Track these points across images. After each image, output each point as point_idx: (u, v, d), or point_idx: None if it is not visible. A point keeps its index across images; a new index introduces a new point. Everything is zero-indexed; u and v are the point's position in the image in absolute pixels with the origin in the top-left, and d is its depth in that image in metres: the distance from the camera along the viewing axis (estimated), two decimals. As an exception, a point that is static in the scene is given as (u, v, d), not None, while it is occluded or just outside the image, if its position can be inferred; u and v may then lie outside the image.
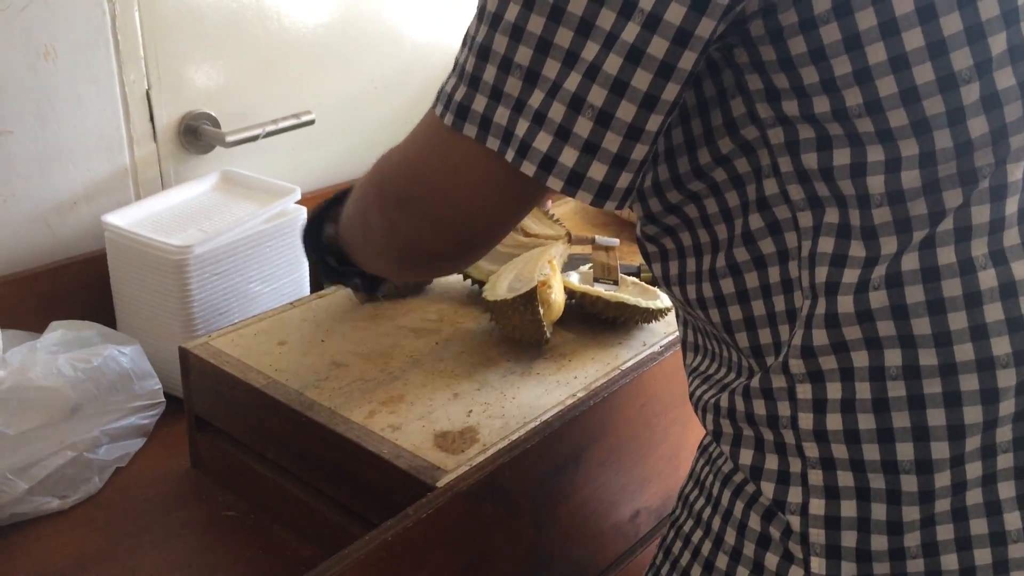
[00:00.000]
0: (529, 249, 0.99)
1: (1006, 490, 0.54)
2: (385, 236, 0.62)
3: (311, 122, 1.21)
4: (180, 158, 1.14)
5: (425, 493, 0.71)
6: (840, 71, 0.50)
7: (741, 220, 0.57)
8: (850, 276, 0.53)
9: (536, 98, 0.51)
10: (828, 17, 0.49)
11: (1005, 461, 0.54)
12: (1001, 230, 0.52)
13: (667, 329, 0.96)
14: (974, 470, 0.54)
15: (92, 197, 1.06)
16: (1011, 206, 0.52)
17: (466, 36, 0.56)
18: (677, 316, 0.70)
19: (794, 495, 0.57)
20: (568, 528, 0.85)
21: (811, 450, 0.56)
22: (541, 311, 0.88)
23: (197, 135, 1.13)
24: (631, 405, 0.88)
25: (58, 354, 0.87)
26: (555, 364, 0.90)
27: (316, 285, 1.20)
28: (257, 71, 1.19)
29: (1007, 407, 0.53)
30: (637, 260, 1.11)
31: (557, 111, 0.51)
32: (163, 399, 0.95)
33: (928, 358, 0.52)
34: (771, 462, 0.59)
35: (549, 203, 1.08)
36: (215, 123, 1.15)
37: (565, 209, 1.31)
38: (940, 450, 0.53)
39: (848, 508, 0.55)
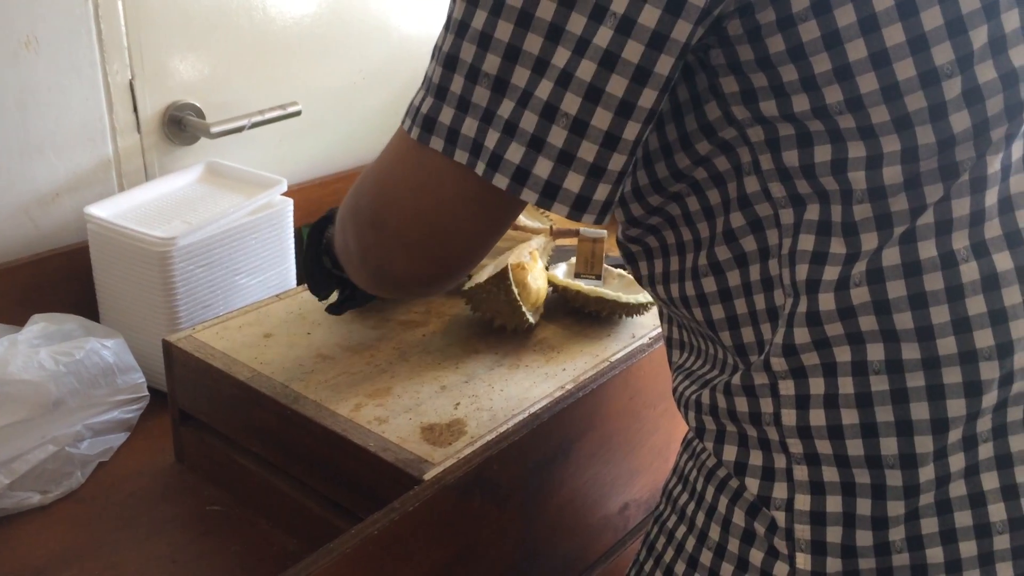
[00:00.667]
0: (518, 243, 0.98)
1: (989, 481, 0.54)
2: (360, 258, 0.59)
3: (297, 113, 1.20)
4: (164, 149, 1.12)
5: (412, 486, 0.70)
6: (820, 68, 0.49)
7: (723, 218, 0.57)
8: (831, 273, 0.52)
9: (506, 108, 0.50)
10: (807, 14, 0.48)
11: (986, 451, 0.54)
12: (982, 222, 0.51)
13: (655, 321, 0.96)
14: (957, 462, 0.53)
15: (75, 189, 1.05)
16: (991, 198, 0.51)
17: (434, 48, 0.54)
18: (660, 314, 0.70)
19: (779, 491, 0.57)
20: (557, 521, 0.84)
21: (795, 446, 0.56)
22: (516, 291, 0.87)
23: (181, 126, 1.12)
24: (620, 397, 0.87)
25: (40, 347, 0.86)
26: (543, 356, 0.89)
27: (302, 277, 1.19)
28: (243, 61, 1.18)
29: (989, 399, 0.53)
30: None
31: (529, 120, 0.49)
32: (147, 393, 0.93)
33: (911, 352, 0.52)
34: (755, 458, 0.58)
35: None
36: (200, 114, 1.14)
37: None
38: (924, 444, 0.53)
39: (833, 503, 0.55)
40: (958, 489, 0.54)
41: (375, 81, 1.36)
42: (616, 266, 1.05)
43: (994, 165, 0.51)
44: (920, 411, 0.52)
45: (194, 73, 1.14)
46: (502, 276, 0.86)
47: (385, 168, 0.57)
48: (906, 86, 0.48)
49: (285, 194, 1.07)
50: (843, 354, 0.53)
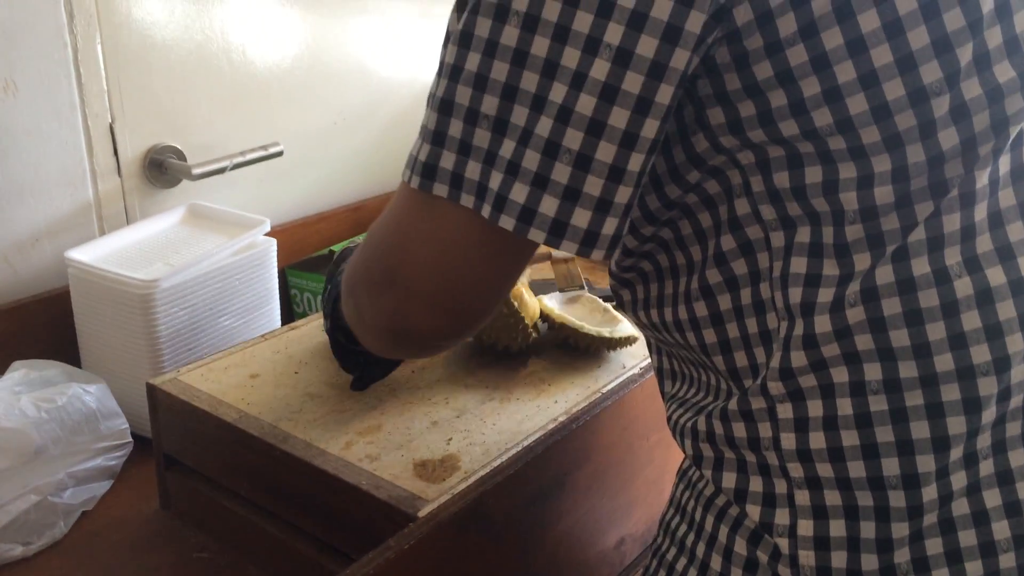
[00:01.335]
0: None
1: (992, 498, 0.53)
2: (374, 316, 0.57)
3: (279, 154, 1.19)
4: (145, 192, 1.12)
5: (406, 524, 0.69)
6: (809, 92, 0.49)
7: (714, 241, 0.56)
8: (825, 295, 0.52)
9: (507, 148, 0.49)
10: (794, 39, 0.48)
11: (987, 468, 0.53)
12: (973, 237, 0.51)
13: (645, 351, 0.95)
14: (959, 480, 0.53)
15: (55, 233, 1.03)
16: (980, 212, 0.51)
17: (428, 97, 0.53)
18: (649, 345, 0.69)
19: (781, 517, 0.56)
20: (554, 557, 0.82)
21: (796, 470, 0.55)
22: (516, 304, 0.87)
23: (163, 168, 1.11)
24: (613, 428, 0.86)
25: (21, 394, 0.84)
26: (534, 389, 0.88)
27: (288, 317, 1.18)
28: (223, 104, 1.18)
29: (988, 415, 0.52)
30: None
31: (531, 159, 0.48)
32: (130, 439, 0.91)
33: (908, 370, 0.52)
34: (755, 484, 0.57)
35: None
36: (181, 156, 1.13)
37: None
38: (926, 463, 0.52)
39: (837, 528, 0.54)
40: (961, 508, 0.53)
41: (355, 122, 1.36)
42: (605, 298, 1.04)
43: (982, 180, 0.51)
44: (920, 430, 0.52)
45: (175, 116, 1.13)
46: None
47: (391, 224, 0.55)
48: (896, 105, 0.49)
49: (268, 234, 1.06)
50: (840, 375, 0.52)
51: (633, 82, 0.46)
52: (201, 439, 0.84)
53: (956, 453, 0.52)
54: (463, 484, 0.73)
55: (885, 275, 0.51)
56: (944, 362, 0.51)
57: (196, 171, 1.10)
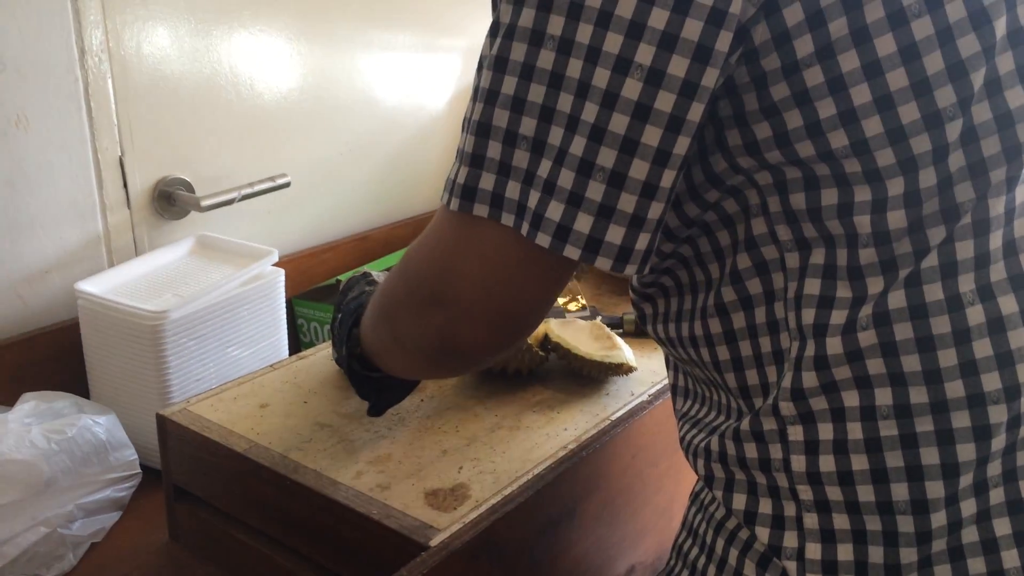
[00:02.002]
0: None
1: (1002, 527, 0.53)
2: (418, 336, 0.59)
3: (286, 185, 1.20)
4: (154, 224, 1.12)
5: (418, 553, 0.69)
6: (825, 114, 0.49)
7: (731, 259, 0.57)
8: (837, 317, 0.52)
9: (544, 167, 0.50)
10: (811, 60, 0.49)
11: (997, 496, 0.53)
12: (987, 265, 0.52)
13: (654, 379, 0.95)
14: (968, 507, 0.53)
15: (64, 265, 1.04)
16: (995, 241, 0.52)
17: (464, 121, 0.54)
18: (667, 361, 0.69)
19: (789, 540, 0.56)
20: (565, 586, 0.82)
21: (805, 493, 0.55)
22: None
23: (171, 200, 1.12)
24: (623, 456, 0.86)
25: (31, 426, 0.84)
26: (543, 417, 0.88)
27: (295, 347, 1.18)
28: (231, 136, 1.19)
29: (999, 443, 0.52)
30: (619, 311, 1.11)
31: (566, 178, 0.50)
32: (139, 470, 0.92)
33: (919, 396, 0.52)
34: (764, 506, 0.57)
35: None
36: (189, 188, 1.14)
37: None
38: (935, 489, 0.52)
39: (845, 552, 0.54)
40: (970, 535, 0.53)
41: (362, 153, 1.37)
42: (612, 325, 1.04)
43: (997, 208, 0.51)
44: (930, 456, 0.52)
45: (183, 148, 1.14)
46: None
47: (432, 245, 0.57)
48: (911, 129, 0.49)
49: (276, 264, 1.07)
50: (851, 399, 0.53)
51: (665, 101, 0.47)
52: (211, 470, 0.84)
53: (966, 480, 0.52)
54: (474, 513, 0.73)
55: (898, 300, 0.51)
56: (955, 389, 0.51)
57: (205, 203, 1.11)
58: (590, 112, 0.48)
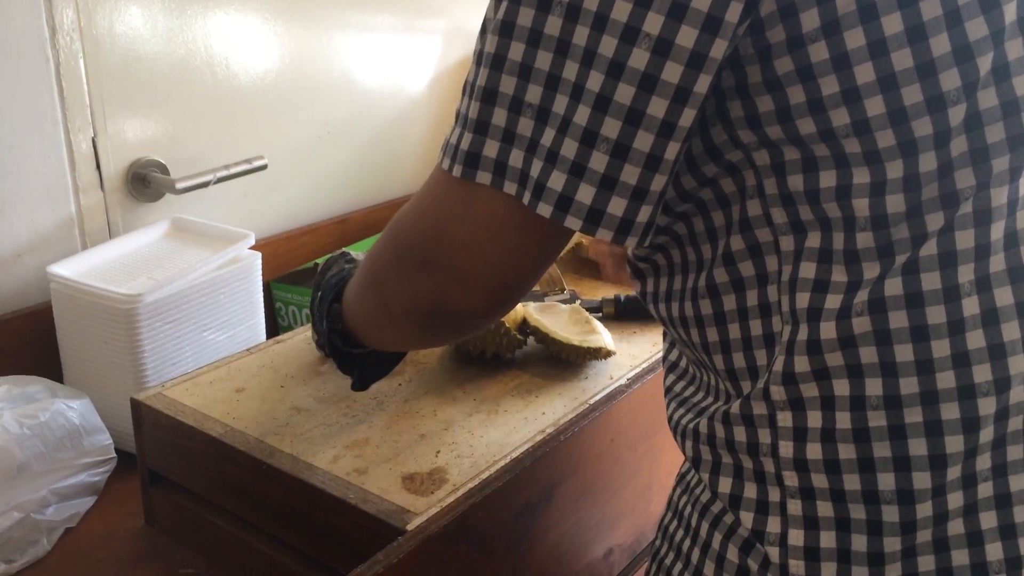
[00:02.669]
0: None
1: (987, 520, 0.53)
2: (408, 301, 0.58)
3: (263, 167, 1.19)
4: (128, 207, 1.11)
5: (395, 537, 0.68)
6: (828, 91, 0.49)
7: (724, 241, 0.56)
8: (832, 302, 0.52)
9: (548, 136, 0.50)
10: (817, 36, 0.48)
11: (985, 490, 0.53)
12: (987, 256, 0.51)
13: (632, 362, 0.95)
14: (955, 500, 0.53)
15: (37, 248, 1.02)
16: (996, 231, 0.51)
17: (465, 85, 0.54)
18: (664, 334, 0.69)
19: (773, 525, 0.56)
20: (543, 569, 0.82)
21: (791, 479, 0.55)
22: None
23: (146, 183, 1.11)
24: (601, 440, 0.86)
25: (2, 411, 0.83)
26: (522, 401, 0.88)
27: (273, 331, 1.18)
28: (207, 117, 1.18)
29: (986, 435, 0.52)
30: (599, 295, 1.11)
31: (569, 148, 0.49)
32: (114, 455, 0.91)
33: (909, 387, 0.51)
34: (750, 491, 0.57)
35: None
36: (164, 170, 1.13)
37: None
38: (922, 480, 0.52)
39: (828, 539, 0.54)
40: (956, 528, 0.53)
41: (340, 135, 1.36)
42: (591, 309, 1.04)
43: (999, 198, 0.51)
44: (918, 447, 0.52)
45: (158, 130, 1.13)
46: None
47: (427, 210, 0.56)
48: (913, 111, 0.49)
49: (252, 248, 1.06)
50: (842, 388, 0.52)
51: (672, 72, 0.47)
52: (186, 454, 0.84)
53: (954, 472, 0.52)
54: (452, 497, 0.73)
55: (894, 287, 0.51)
56: (946, 380, 0.51)
57: (180, 185, 1.10)
58: (595, 81, 0.48)
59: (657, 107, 0.47)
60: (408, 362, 0.94)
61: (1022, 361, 0.52)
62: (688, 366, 0.65)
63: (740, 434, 0.57)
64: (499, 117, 0.51)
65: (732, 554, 0.58)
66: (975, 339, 0.51)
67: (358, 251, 0.84)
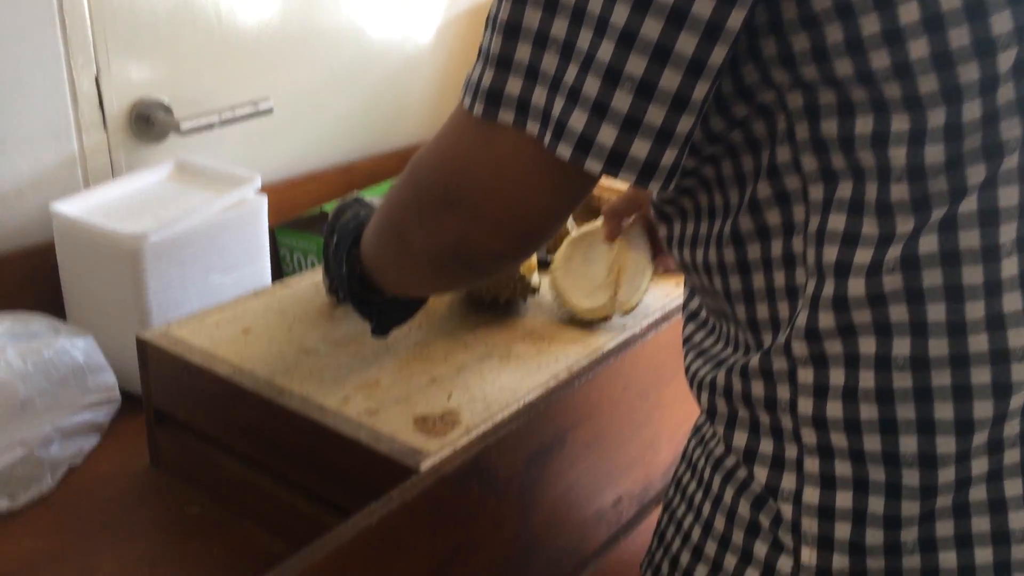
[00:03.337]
0: None
1: (1012, 487, 0.51)
2: (429, 242, 0.57)
3: (269, 110, 1.17)
4: (131, 147, 1.09)
5: (407, 478, 0.67)
6: (868, 31, 0.46)
7: (751, 187, 0.54)
8: (862, 256, 0.50)
9: (571, 73, 0.47)
10: None
11: (1012, 456, 0.51)
12: None
13: (646, 311, 0.94)
14: (980, 466, 0.51)
15: (39, 186, 1.00)
16: None
17: (488, 19, 0.51)
18: (685, 282, 0.68)
19: (788, 482, 0.54)
20: (553, 515, 0.82)
21: (808, 436, 0.53)
22: None
23: (149, 122, 1.08)
24: (614, 387, 0.85)
25: (6, 346, 0.81)
26: (534, 347, 0.87)
27: (278, 278, 1.16)
28: (213, 58, 1.15)
29: (1017, 400, 0.50)
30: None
31: (592, 86, 0.46)
32: (118, 394, 0.89)
33: (939, 348, 0.49)
34: (765, 446, 0.56)
35: None
36: (168, 111, 1.10)
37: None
38: (946, 444, 0.50)
39: (843, 499, 0.52)
40: (979, 494, 0.51)
41: (347, 81, 1.33)
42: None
43: None
44: (944, 411, 0.50)
45: (162, 69, 1.10)
46: None
47: (448, 150, 0.54)
48: (959, 55, 0.46)
49: (259, 191, 1.04)
50: (867, 345, 0.50)
51: (703, 6, 0.44)
52: (193, 394, 0.82)
53: (980, 438, 0.50)
54: (465, 439, 0.72)
55: (929, 244, 0.49)
56: (979, 343, 0.49)
57: (184, 125, 1.07)
58: (620, 15, 0.45)
59: (686, 44, 0.45)
60: (418, 306, 0.93)
61: None
62: (708, 316, 0.63)
63: (758, 388, 0.55)
64: (523, 52, 0.49)
65: (744, 509, 0.57)
66: (1012, 301, 0.49)
67: (372, 195, 0.82)
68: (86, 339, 0.87)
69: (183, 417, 0.84)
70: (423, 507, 0.66)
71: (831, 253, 0.50)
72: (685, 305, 0.67)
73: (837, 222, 0.50)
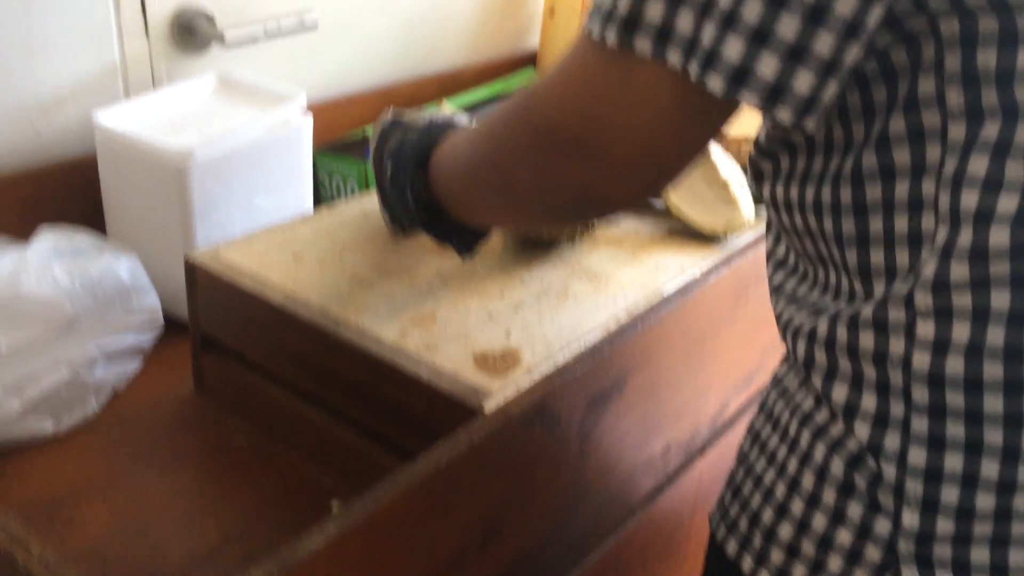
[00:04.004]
0: None
1: None
2: (545, 188, 0.53)
3: (314, 25, 1.12)
4: (173, 57, 1.04)
5: (467, 417, 0.65)
6: None
7: (881, 120, 0.50)
8: (1007, 204, 0.46)
9: None
10: None
11: None
12: None
13: (704, 253, 0.91)
14: None
15: (78, 94, 0.96)
16: None
17: None
18: (768, 227, 0.64)
19: (891, 440, 0.52)
20: (607, 461, 0.80)
21: (920, 394, 0.50)
22: None
23: (192, 32, 1.04)
24: (673, 332, 0.83)
25: (52, 263, 0.78)
26: (591, 286, 0.84)
27: (318, 203, 1.13)
28: (256, -33, 1.10)
29: None
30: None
31: (753, 10, 0.42)
32: (161, 318, 0.87)
33: None
34: (868, 402, 0.53)
35: None
36: (211, 20, 1.05)
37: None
38: None
39: (953, 461, 0.50)
40: None
41: (391, -2, 1.28)
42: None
43: None
44: None
45: (205, -24, 1.05)
46: None
47: (578, 85, 0.49)
48: None
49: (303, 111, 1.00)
50: (1001, 299, 0.47)
51: None
52: (243, 320, 0.80)
53: None
54: (527, 378, 0.69)
55: None
56: None
57: (229, 36, 1.03)
58: None
59: None
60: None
61: None
62: (798, 263, 0.60)
63: (867, 340, 0.52)
64: None
65: (836, 467, 0.55)
66: None
67: (410, 114, 0.78)
68: (131, 258, 0.84)
69: (231, 344, 0.82)
70: (488, 449, 0.64)
71: (970, 199, 0.47)
72: (770, 254, 0.64)
73: (978, 165, 0.46)
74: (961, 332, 0.48)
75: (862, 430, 0.53)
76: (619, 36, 0.46)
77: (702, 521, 0.92)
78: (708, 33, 0.44)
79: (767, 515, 0.60)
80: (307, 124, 1.00)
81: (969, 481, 0.50)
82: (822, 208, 0.54)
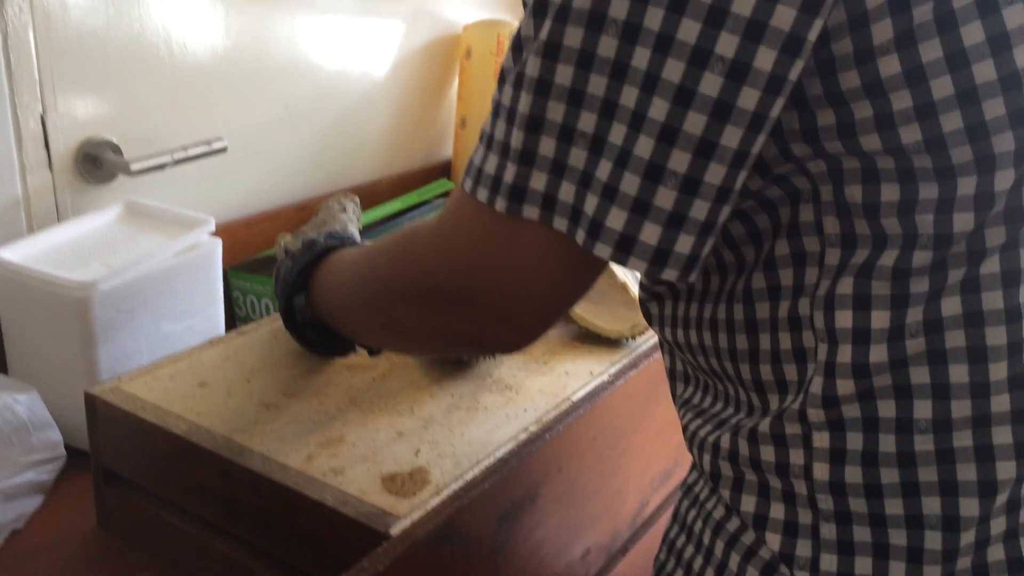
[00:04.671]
0: None
1: None
2: (431, 333, 0.56)
3: (223, 150, 1.13)
4: (79, 188, 1.04)
5: (377, 542, 0.65)
6: (899, 106, 0.45)
7: (768, 244, 0.53)
8: (879, 320, 0.49)
9: (604, 169, 0.45)
10: (888, 48, 0.44)
11: None
12: None
13: (613, 357, 0.93)
14: (998, 525, 0.51)
15: (-21, 231, 0.96)
16: None
17: (498, 108, 0.49)
18: (661, 347, 0.66)
19: (803, 548, 0.53)
20: (525, 571, 0.79)
21: (825, 502, 0.52)
22: None
23: (97, 163, 1.04)
24: (584, 438, 0.83)
25: (-57, 405, 0.76)
26: (502, 397, 0.84)
27: (231, 322, 1.12)
28: (162, 96, 1.11)
29: None
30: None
31: (631, 183, 0.45)
32: (64, 452, 0.85)
33: (962, 410, 0.49)
34: (776, 511, 0.54)
35: None
36: (117, 151, 1.06)
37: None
38: (970, 507, 0.50)
39: (863, 565, 0.51)
40: (996, 553, 0.51)
41: (301, 118, 1.31)
42: None
43: None
44: (967, 472, 0.49)
45: (111, 108, 1.06)
46: None
47: (463, 244, 0.52)
48: (994, 126, 0.45)
49: (213, 234, 1.01)
50: (887, 409, 0.50)
51: (749, 98, 0.43)
52: (146, 453, 0.78)
53: (1002, 498, 0.50)
54: (435, 499, 0.69)
55: (952, 307, 0.48)
56: (1000, 403, 0.49)
57: (135, 166, 1.03)
58: (659, 110, 0.43)
59: (731, 137, 0.43)
60: (381, 356, 0.90)
61: None
62: (698, 376, 0.62)
63: (768, 453, 0.54)
64: (547, 147, 0.47)
65: None
66: None
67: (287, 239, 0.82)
68: (30, 394, 0.83)
69: (134, 477, 0.80)
70: (396, 575, 0.63)
71: (844, 318, 0.49)
72: (671, 371, 0.66)
73: (846, 286, 0.49)
74: (855, 441, 0.50)
75: (773, 539, 0.54)
76: (507, 203, 0.48)
77: (628, 627, 0.91)
78: (591, 204, 0.46)
79: (685, 622, 0.60)
80: (216, 248, 1.00)
81: None
82: (717, 325, 0.56)
